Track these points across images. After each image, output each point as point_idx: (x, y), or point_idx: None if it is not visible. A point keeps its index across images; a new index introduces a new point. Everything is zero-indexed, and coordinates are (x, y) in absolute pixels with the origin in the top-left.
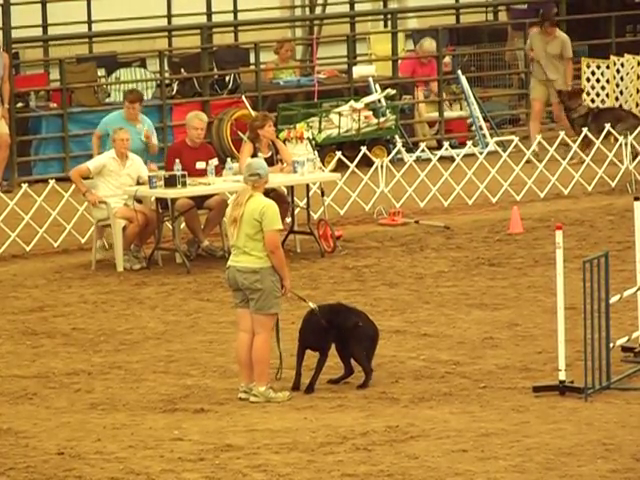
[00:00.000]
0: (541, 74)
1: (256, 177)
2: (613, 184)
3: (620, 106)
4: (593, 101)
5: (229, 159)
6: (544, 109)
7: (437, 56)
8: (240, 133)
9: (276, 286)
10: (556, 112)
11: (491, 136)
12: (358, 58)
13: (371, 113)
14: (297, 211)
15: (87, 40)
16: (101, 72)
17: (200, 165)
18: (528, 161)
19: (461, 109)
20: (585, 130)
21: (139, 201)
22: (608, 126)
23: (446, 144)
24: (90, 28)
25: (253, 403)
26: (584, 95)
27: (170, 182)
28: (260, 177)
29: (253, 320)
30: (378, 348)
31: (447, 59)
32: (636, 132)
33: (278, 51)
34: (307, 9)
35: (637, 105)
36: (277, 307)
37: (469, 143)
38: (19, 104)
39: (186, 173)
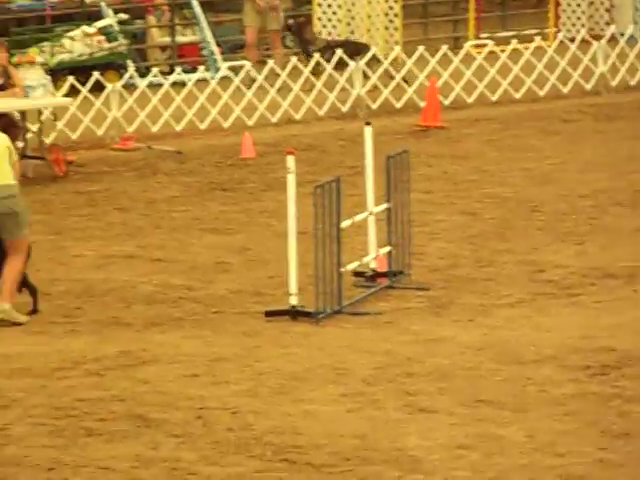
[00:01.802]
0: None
1: None
2: (344, 109)
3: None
4: (325, 27)
5: None
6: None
7: None
8: None
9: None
10: (274, 40)
11: (223, 61)
12: None
13: (104, 38)
14: (29, 136)
15: None
16: None
17: None
18: (260, 86)
19: (193, 34)
20: (317, 56)
21: None
22: (340, 52)
23: (178, 69)
24: None
25: None
26: (317, 22)
27: None
28: None
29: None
30: (110, 273)
31: None
32: (366, 59)
33: None
34: None
35: (368, 31)
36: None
37: (201, 68)
38: None
39: None
